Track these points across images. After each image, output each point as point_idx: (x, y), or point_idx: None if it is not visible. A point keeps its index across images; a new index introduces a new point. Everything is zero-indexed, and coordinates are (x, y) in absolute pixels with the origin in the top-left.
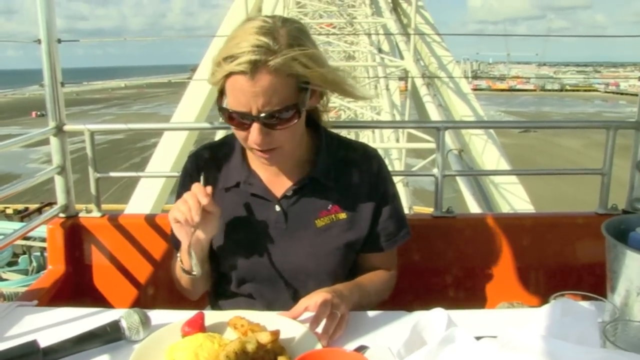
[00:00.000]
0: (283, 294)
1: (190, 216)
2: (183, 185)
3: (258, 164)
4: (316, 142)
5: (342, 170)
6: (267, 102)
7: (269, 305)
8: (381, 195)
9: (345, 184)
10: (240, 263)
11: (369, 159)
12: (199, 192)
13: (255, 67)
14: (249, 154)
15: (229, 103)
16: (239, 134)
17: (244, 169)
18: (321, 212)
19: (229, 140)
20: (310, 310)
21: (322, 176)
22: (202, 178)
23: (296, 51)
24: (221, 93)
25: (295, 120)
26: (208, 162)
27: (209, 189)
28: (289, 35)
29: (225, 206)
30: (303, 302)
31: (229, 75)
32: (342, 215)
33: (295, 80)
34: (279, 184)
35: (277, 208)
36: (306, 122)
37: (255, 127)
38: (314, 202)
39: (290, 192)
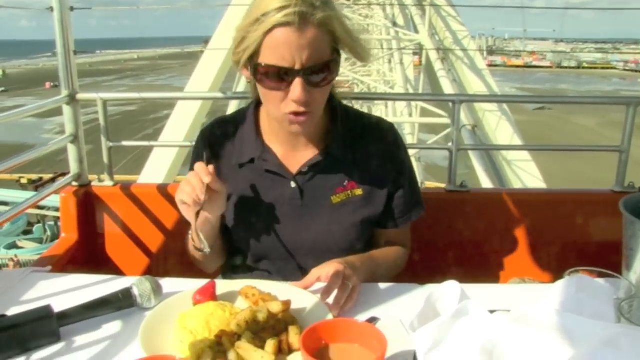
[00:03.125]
0: (297, 270)
1: (196, 196)
2: (194, 160)
3: (273, 139)
4: (330, 116)
5: (358, 145)
6: (311, 57)
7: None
8: (397, 170)
9: (361, 158)
10: (255, 239)
11: (385, 132)
12: (202, 171)
13: (303, 19)
14: (264, 128)
15: (266, 60)
16: (273, 96)
17: (258, 144)
18: (337, 188)
19: (242, 114)
20: (322, 280)
21: (338, 151)
22: (205, 156)
23: (335, 11)
24: (251, 58)
25: (332, 79)
26: (220, 137)
27: (211, 167)
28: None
29: (239, 182)
30: (315, 273)
31: (271, 29)
32: (358, 192)
33: (331, 39)
34: (295, 159)
35: (293, 184)
36: None
37: (297, 82)
38: (330, 178)
39: (305, 169)
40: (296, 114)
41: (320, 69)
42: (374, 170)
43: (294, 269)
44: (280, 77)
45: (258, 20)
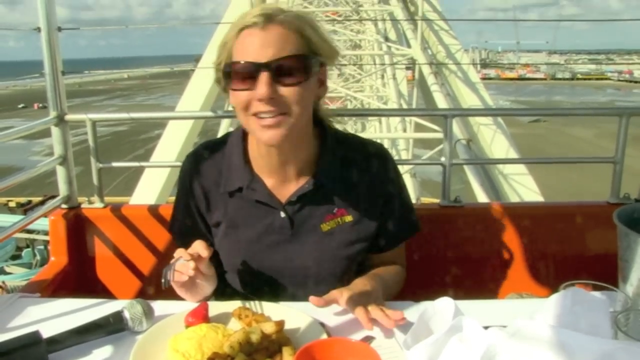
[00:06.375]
0: (288, 298)
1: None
2: (182, 187)
3: (262, 168)
4: (320, 142)
5: (348, 171)
6: (277, 52)
7: None
8: (388, 194)
9: (351, 184)
10: (244, 268)
11: (375, 155)
12: (184, 267)
13: (267, 19)
14: (253, 155)
15: (234, 59)
16: (242, 97)
17: (246, 172)
18: (327, 216)
19: (230, 139)
20: (339, 302)
21: (327, 180)
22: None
23: (304, 17)
24: (227, 75)
25: (304, 79)
26: (207, 162)
27: (205, 251)
28: (296, 12)
29: (228, 210)
30: (336, 293)
31: (239, 32)
32: (348, 218)
33: (305, 44)
34: (284, 188)
35: (282, 214)
36: (313, 122)
37: (263, 77)
38: (319, 207)
39: (294, 198)
40: (263, 115)
41: (288, 66)
42: (363, 195)
43: (284, 297)
44: (247, 74)
45: (230, 29)
